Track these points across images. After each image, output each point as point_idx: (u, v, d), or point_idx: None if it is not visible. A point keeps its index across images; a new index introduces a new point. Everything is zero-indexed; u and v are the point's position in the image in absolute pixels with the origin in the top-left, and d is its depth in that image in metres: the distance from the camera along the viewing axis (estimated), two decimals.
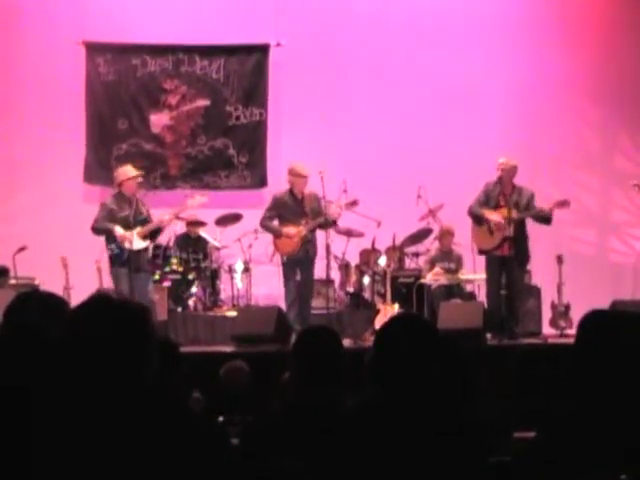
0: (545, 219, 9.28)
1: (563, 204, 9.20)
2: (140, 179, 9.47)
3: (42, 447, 2.25)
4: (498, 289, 9.47)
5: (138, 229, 9.23)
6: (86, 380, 2.29)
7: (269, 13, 11.95)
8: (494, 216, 9.27)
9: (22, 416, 2.36)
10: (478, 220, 9.41)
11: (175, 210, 9.59)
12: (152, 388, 2.31)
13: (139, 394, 2.30)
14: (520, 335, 9.26)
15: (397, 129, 12.02)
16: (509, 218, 9.10)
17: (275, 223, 9.57)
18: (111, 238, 9.20)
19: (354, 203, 9.52)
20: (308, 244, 9.50)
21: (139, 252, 9.25)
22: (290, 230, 9.44)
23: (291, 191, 9.60)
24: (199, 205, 9.72)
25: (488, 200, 9.39)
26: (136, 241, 9.19)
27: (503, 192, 9.31)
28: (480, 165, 11.34)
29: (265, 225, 9.65)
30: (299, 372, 3.47)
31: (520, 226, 9.26)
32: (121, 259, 9.18)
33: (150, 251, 9.86)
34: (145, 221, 9.34)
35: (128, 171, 9.45)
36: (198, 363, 7.14)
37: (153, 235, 9.54)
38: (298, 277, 9.50)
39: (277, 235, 9.54)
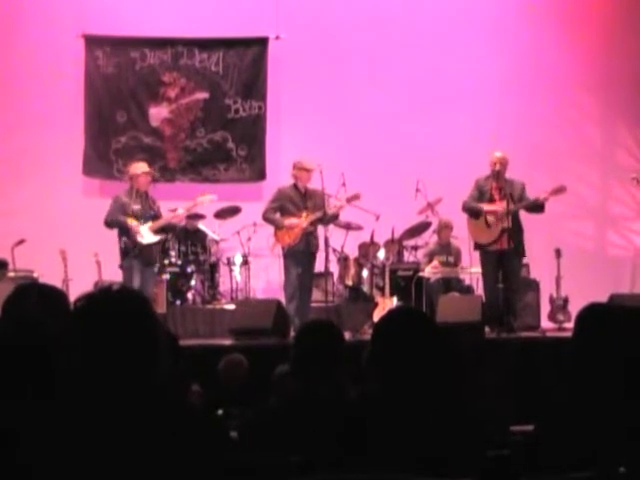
0: (539, 207, 9.27)
1: (559, 190, 9.18)
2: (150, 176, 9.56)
3: (42, 440, 2.26)
4: (496, 283, 9.45)
5: (150, 224, 9.33)
6: (94, 375, 2.29)
7: (268, 6, 11.93)
8: (492, 207, 9.26)
9: (24, 405, 2.37)
10: (475, 214, 9.37)
11: (187, 207, 9.66)
12: (159, 383, 2.32)
13: (145, 389, 2.30)
14: (518, 329, 9.26)
15: (396, 122, 12.01)
16: (507, 210, 9.10)
17: (277, 215, 9.60)
18: (124, 231, 9.27)
19: (356, 197, 9.55)
20: (310, 236, 9.50)
21: (150, 246, 9.35)
22: (292, 222, 9.46)
23: (295, 185, 9.62)
24: (209, 202, 9.85)
25: (481, 195, 9.38)
26: (148, 235, 9.30)
27: (498, 186, 9.31)
28: (479, 158, 11.32)
29: (268, 217, 9.65)
30: (300, 366, 3.48)
31: (515, 219, 9.27)
32: (134, 252, 9.26)
33: None
34: (155, 217, 9.43)
35: (141, 167, 9.56)
36: (197, 356, 7.17)
37: (165, 231, 9.66)
38: (299, 270, 9.52)
39: (279, 227, 9.56)
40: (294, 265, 9.49)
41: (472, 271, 10.47)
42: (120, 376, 2.28)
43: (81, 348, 2.30)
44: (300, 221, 9.44)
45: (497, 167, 9.25)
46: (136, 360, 2.30)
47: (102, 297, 2.40)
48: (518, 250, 9.32)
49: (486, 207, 9.30)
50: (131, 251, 9.25)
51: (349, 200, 9.57)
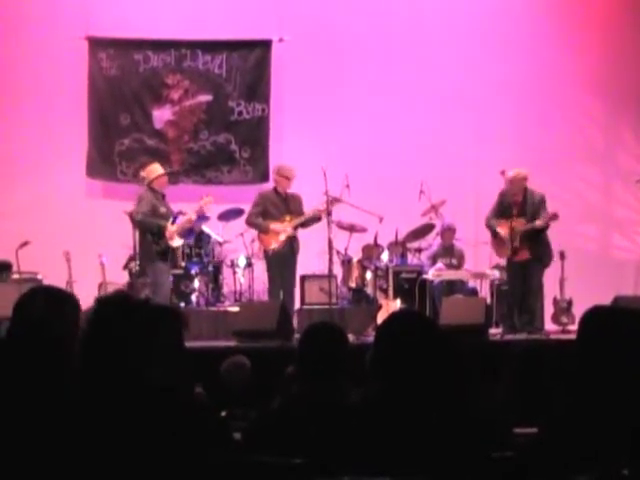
0: (540, 230, 9.47)
1: (553, 218, 9.36)
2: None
3: (48, 441, 2.26)
4: (514, 290, 9.72)
5: (175, 227, 9.49)
6: (93, 377, 2.29)
7: (272, 8, 11.94)
8: (501, 231, 9.50)
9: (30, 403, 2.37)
10: (493, 232, 9.64)
11: (196, 209, 9.82)
12: (159, 383, 2.32)
13: (145, 389, 2.30)
14: (534, 329, 9.43)
15: (400, 124, 12.01)
16: (512, 231, 9.37)
17: (260, 220, 9.78)
18: (160, 234, 9.44)
19: (336, 200, 9.68)
20: (292, 239, 9.75)
21: (176, 249, 9.72)
22: (277, 227, 9.64)
23: (275, 189, 9.90)
24: (210, 203, 10.02)
25: (504, 210, 9.56)
26: (176, 239, 9.59)
27: (515, 201, 9.47)
28: (483, 161, 11.35)
29: (252, 222, 9.92)
30: (304, 368, 3.48)
31: (534, 231, 9.44)
32: (167, 255, 9.52)
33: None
34: (175, 218, 9.63)
35: (157, 169, 9.77)
36: (200, 358, 7.15)
37: (183, 234, 9.86)
38: (283, 272, 9.76)
39: (264, 232, 9.75)
40: (278, 268, 9.75)
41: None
42: (119, 376, 2.28)
43: (98, 352, 2.31)
44: (284, 225, 9.65)
45: (509, 186, 9.42)
46: (134, 362, 2.30)
47: (132, 307, 2.40)
48: (537, 259, 9.56)
49: (498, 228, 9.52)
50: (164, 255, 9.48)
51: (330, 203, 9.66)
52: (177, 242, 9.62)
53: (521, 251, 9.48)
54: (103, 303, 2.42)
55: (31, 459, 2.26)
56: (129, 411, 2.28)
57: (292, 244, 9.77)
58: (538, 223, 9.40)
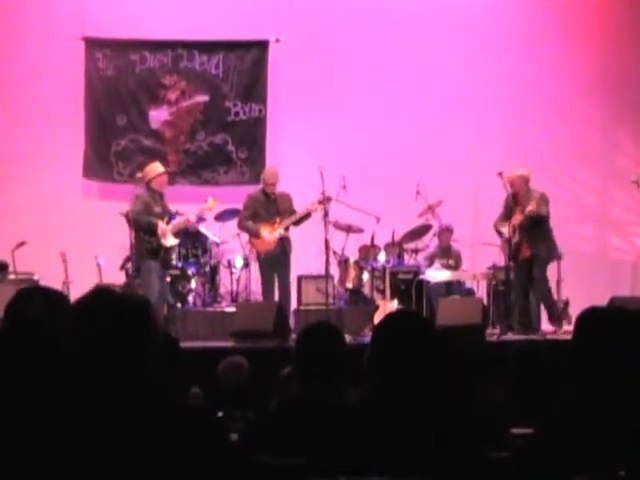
0: (534, 221, 9.43)
1: (532, 211, 9.39)
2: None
3: (41, 445, 2.26)
4: (519, 289, 9.76)
5: (170, 226, 9.47)
6: (86, 377, 2.29)
7: (269, 9, 11.94)
8: (504, 229, 9.56)
9: (23, 409, 2.37)
10: (499, 233, 9.73)
11: (198, 210, 9.93)
12: (152, 385, 2.32)
13: (139, 391, 2.30)
14: (529, 330, 9.53)
15: (397, 125, 12.01)
16: (513, 226, 9.44)
17: (251, 223, 9.84)
18: (150, 232, 9.41)
19: (328, 199, 9.73)
20: (284, 240, 9.82)
21: (170, 249, 9.60)
22: (267, 231, 9.73)
23: (264, 190, 9.96)
24: (214, 205, 10.10)
25: (509, 213, 9.62)
26: (170, 238, 9.49)
27: (516, 202, 9.51)
28: (479, 162, 11.36)
29: (243, 226, 10.03)
30: (301, 369, 3.48)
31: (534, 228, 9.48)
32: (158, 253, 9.45)
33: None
34: (171, 219, 9.61)
35: (157, 167, 9.77)
36: (197, 359, 7.15)
37: (180, 234, 9.90)
38: (276, 274, 9.82)
39: (255, 236, 9.85)
40: (271, 269, 9.84)
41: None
42: (113, 377, 2.28)
43: (78, 347, 2.30)
44: (275, 227, 9.75)
45: (508, 189, 9.46)
46: (122, 365, 2.29)
47: (99, 298, 2.39)
48: (539, 256, 9.61)
49: (502, 228, 9.60)
50: (155, 253, 9.43)
51: (320, 202, 9.71)
52: (170, 241, 9.56)
53: (522, 247, 9.49)
54: (81, 299, 2.41)
55: (25, 461, 2.26)
56: (124, 412, 2.28)
57: (284, 245, 9.82)
58: (529, 209, 9.40)
